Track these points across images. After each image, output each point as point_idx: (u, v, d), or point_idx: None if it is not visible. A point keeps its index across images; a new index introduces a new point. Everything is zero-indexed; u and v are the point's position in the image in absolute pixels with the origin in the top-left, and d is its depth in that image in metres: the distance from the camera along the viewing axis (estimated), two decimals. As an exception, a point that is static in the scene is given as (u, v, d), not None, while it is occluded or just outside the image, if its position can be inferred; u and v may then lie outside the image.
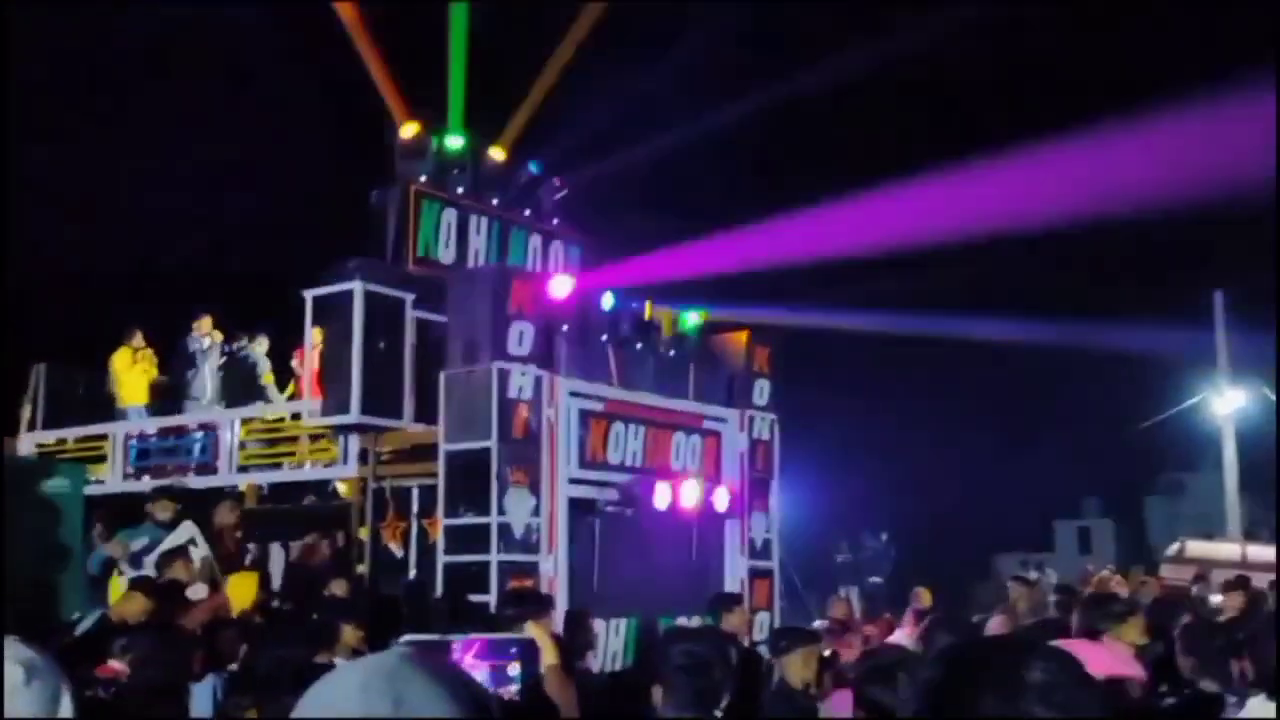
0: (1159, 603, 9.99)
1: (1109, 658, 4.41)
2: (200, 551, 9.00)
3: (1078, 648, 3.44)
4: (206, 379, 13.42)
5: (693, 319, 12.40)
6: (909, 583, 16.69)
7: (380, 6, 14.19)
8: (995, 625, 11.54)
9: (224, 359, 13.57)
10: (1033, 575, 19.71)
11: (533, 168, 13.02)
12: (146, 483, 11.67)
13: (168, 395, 13.64)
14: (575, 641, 7.59)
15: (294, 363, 12.64)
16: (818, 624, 11.46)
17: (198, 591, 8.27)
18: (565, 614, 8.54)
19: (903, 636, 9.22)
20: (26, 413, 13.67)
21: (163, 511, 9.71)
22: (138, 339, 13.75)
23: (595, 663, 10.20)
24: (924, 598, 12.46)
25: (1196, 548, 19.81)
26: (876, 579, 20.72)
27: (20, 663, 2.06)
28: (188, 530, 9.26)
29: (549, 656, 4.59)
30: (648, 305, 12.16)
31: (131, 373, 13.60)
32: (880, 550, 21.48)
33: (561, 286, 10.87)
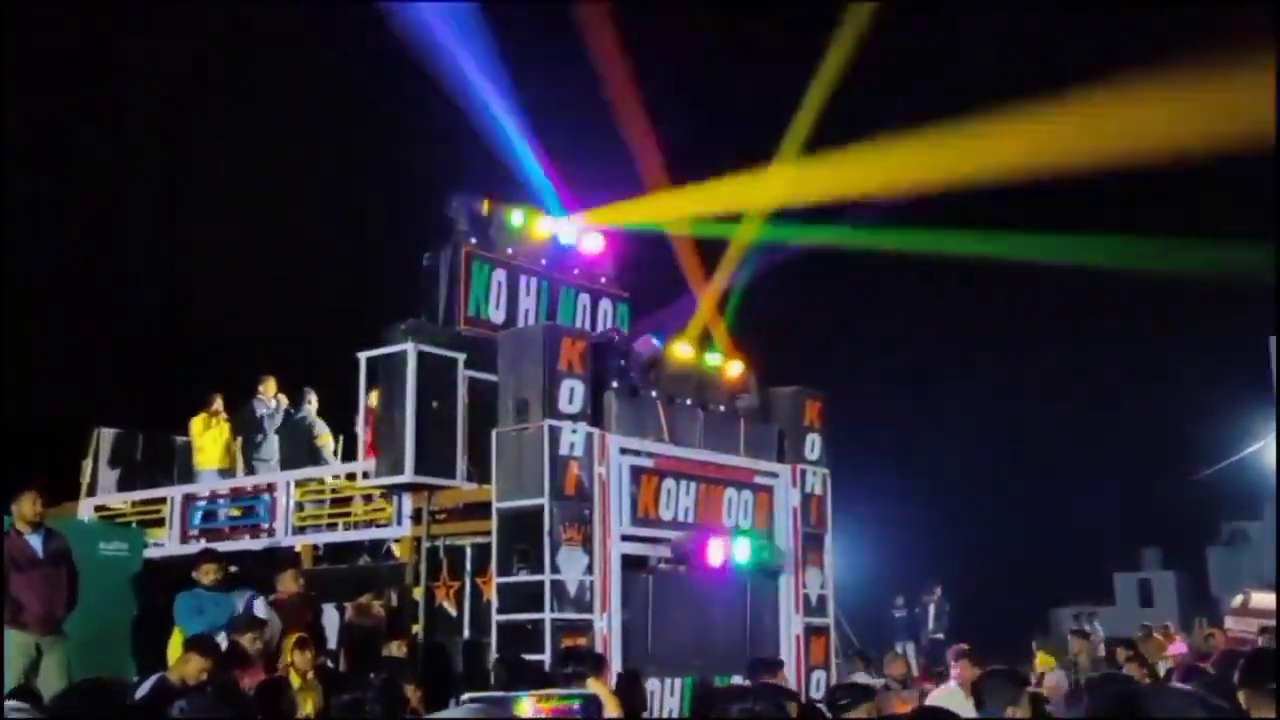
0: (1226, 655, 9.77)
1: None
2: (274, 624, 9.21)
3: None
4: (275, 442, 13.60)
5: (714, 359, 12.25)
6: (966, 638, 16.45)
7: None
8: (1051, 681, 11.33)
9: (281, 422, 13.74)
10: (1089, 629, 19.37)
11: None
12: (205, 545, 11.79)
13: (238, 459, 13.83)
14: (630, 702, 7.55)
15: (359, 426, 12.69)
16: (876, 681, 11.33)
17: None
18: (618, 674, 8.50)
19: (952, 687, 9.10)
20: (87, 476, 13.87)
21: (206, 575, 9.83)
22: (216, 404, 13.94)
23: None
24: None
25: (1261, 598, 19.34)
26: (938, 635, 20.42)
27: None
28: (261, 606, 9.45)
29: (612, 710, 4.58)
30: (701, 358, 12.14)
31: (205, 437, 13.79)
32: (937, 605, 21.17)
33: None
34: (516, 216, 12.45)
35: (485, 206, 12.25)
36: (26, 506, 9.53)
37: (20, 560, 9.37)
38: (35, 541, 9.52)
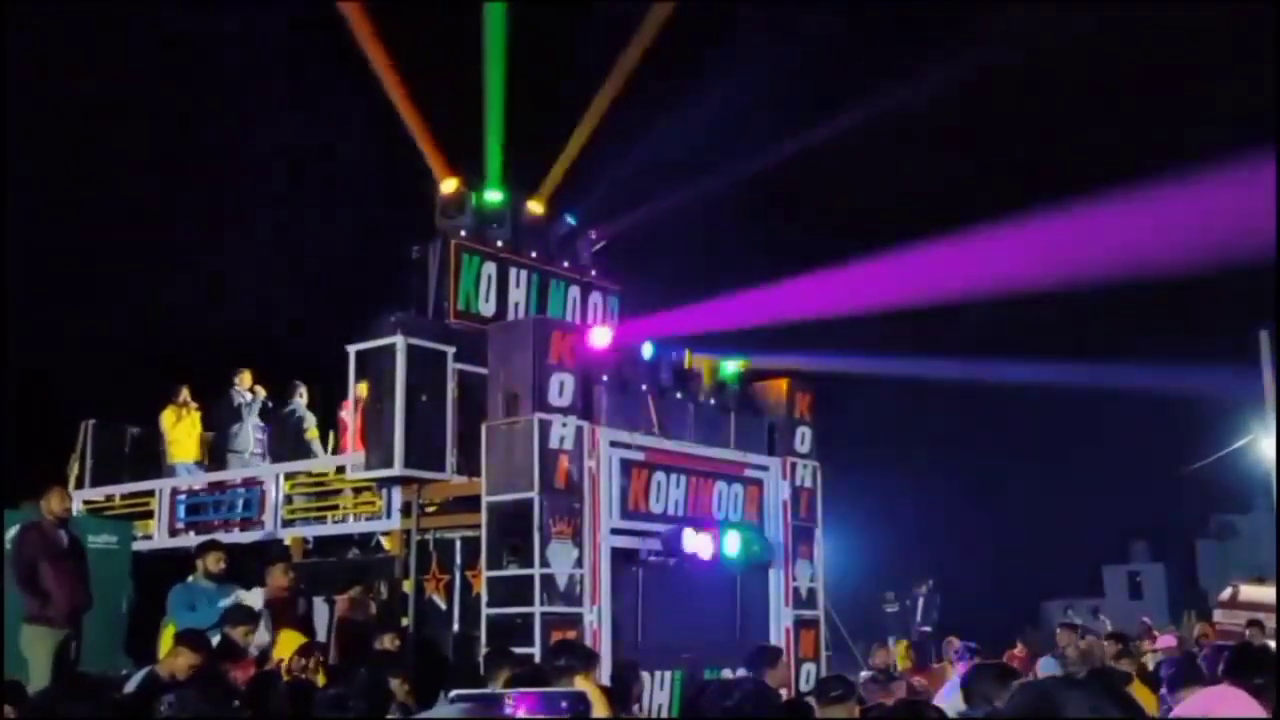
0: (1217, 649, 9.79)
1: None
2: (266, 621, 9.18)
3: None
4: (249, 433, 13.55)
5: (732, 367, 12.37)
6: (955, 631, 16.48)
7: (417, 63, 14.32)
8: (1042, 672, 11.33)
9: (271, 415, 13.69)
10: (1078, 622, 19.39)
11: (570, 219, 13.09)
12: (193, 539, 11.75)
13: (213, 450, 13.77)
14: (629, 692, 7.50)
15: (342, 414, 12.67)
16: (863, 674, 11.35)
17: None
18: (615, 663, 8.48)
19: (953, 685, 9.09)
20: (75, 470, 13.82)
21: (215, 563, 9.80)
22: (183, 395, 13.92)
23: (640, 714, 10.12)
24: (953, 644, 12.42)
25: (1249, 591, 19.43)
26: (926, 628, 20.46)
27: None
28: (256, 597, 9.40)
29: (599, 709, 4.57)
30: (687, 354, 12.17)
31: (177, 429, 13.75)
32: (927, 598, 21.20)
33: (600, 337, 10.94)
34: (494, 194, 12.31)
35: (456, 185, 12.07)
36: (55, 502, 9.60)
37: (51, 552, 9.40)
38: (62, 536, 9.60)
